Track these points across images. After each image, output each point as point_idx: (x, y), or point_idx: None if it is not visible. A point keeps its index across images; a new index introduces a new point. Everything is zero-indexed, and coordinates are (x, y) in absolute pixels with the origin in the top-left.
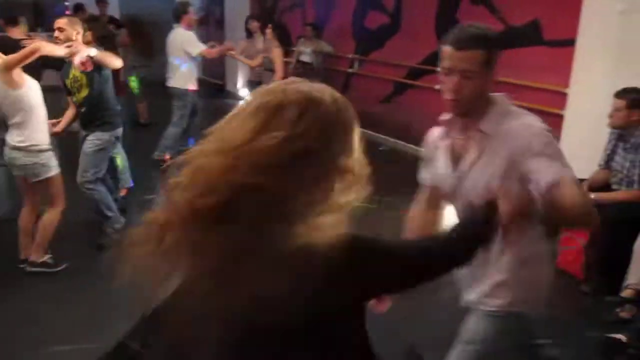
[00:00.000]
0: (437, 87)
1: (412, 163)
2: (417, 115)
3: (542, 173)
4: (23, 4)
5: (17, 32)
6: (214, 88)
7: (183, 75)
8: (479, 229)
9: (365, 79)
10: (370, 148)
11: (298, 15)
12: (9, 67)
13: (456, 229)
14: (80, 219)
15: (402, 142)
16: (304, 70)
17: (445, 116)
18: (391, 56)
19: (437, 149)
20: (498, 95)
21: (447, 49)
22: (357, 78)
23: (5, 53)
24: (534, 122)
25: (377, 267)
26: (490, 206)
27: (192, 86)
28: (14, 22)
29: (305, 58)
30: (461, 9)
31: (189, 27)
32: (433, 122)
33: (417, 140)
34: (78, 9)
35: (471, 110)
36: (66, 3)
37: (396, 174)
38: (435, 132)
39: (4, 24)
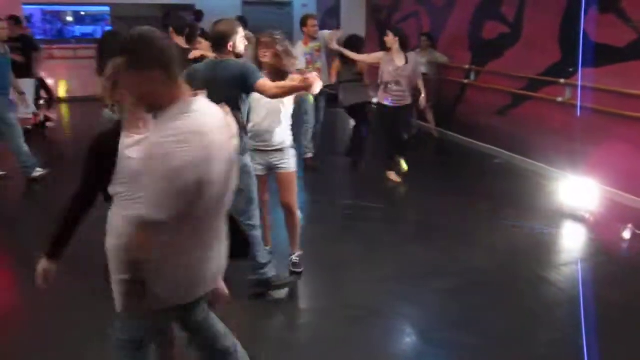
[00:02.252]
0: (558, 99)
1: (528, 178)
2: (535, 129)
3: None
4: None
5: (180, 41)
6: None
7: None
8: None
9: (481, 90)
10: (485, 161)
11: (413, 25)
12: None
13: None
14: None
15: (518, 156)
16: None
17: None
18: (509, 67)
19: None
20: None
21: None
22: (472, 89)
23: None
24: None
25: None
26: None
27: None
28: (180, 31)
29: (420, 69)
30: (588, 17)
31: (309, 38)
32: (552, 135)
33: (534, 154)
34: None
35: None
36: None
37: (510, 189)
38: None
39: (172, 31)
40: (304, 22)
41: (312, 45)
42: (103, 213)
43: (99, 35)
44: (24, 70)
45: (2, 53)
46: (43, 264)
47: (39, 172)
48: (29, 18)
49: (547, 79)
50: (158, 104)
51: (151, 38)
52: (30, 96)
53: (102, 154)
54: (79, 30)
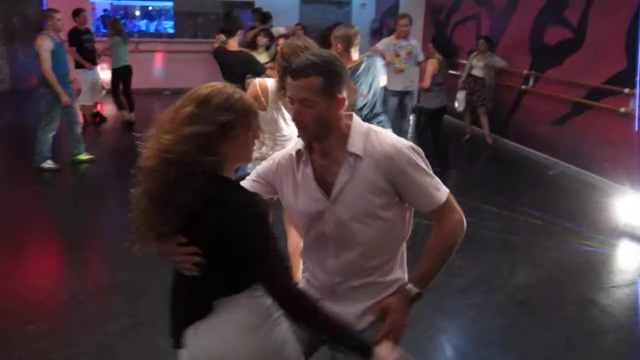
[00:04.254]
0: (622, 110)
1: (583, 191)
2: (594, 140)
3: (422, 196)
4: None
5: (232, 43)
6: None
7: None
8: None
9: (539, 97)
10: (539, 170)
11: (472, 28)
12: None
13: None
14: None
15: (575, 167)
16: (474, 85)
17: (298, 145)
18: (570, 74)
19: (287, 179)
20: (348, 114)
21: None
22: (530, 96)
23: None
24: (399, 139)
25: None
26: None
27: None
28: (232, 34)
29: (477, 72)
30: None
31: (400, 36)
32: (613, 147)
33: (592, 166)
34: (266, 19)
35: (324, 135)
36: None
37: (564, 202)
38: (283, 162)
39: (226, 34)
40: (396, 20)
41: (403, 43)
42: None
43: (162, 30)
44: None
45: (59, 43)
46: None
47: (48, 164)
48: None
49: (610, 87)
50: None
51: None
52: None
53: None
54: (144, 24)
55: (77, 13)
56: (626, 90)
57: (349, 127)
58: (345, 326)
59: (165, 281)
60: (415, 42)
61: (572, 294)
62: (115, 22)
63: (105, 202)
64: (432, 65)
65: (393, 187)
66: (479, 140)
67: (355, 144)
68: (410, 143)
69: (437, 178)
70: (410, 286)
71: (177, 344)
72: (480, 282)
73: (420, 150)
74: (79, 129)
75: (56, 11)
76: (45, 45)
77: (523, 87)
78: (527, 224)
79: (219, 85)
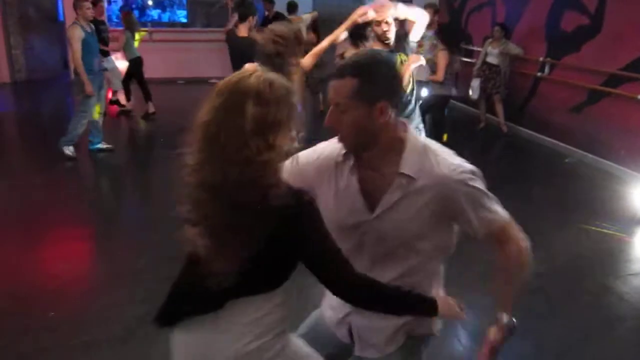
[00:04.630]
0: (639, 97)
1: (600, 179)
2: (612, 128)
3: (478, 221)
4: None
5: (243, 29)
6: None
7: None
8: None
9: (555, 84)
10: (555, 159)
11: (487, 14)
12: None
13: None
14: None
15: (591, 155)
16: (489, 72)
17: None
18: (588, 61)
19: (328, 182)
20: (402, 123)
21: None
22: (545, 83)
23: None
24: (458, 161)
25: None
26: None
27: None
28: (243, 19)
29: (492, 59)
30: None
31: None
32: (630, 135)
33: (609, 154)
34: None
35: (365, 145)
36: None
37: (580, 190)
38: (325, 163)
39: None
40: None
41: (428, 34)
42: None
43: (175, 19)
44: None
45: (90, 32)
46: None
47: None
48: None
49: (628, 74)
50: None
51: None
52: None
53: None
54: (156, 14)
55: (94, 4)
56: None
57: (402, 141)
58: (411, 291)
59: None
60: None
61: (588, 282)
62: (128, 16)
63: (124, 191)
64: (444, 58)
65: (446, 212)
66: (493, 129)
67: (409, 165)
68: (471, 168)
69: (495, 201)
70: (507, 318)
71: (164, 324)
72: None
73: (480, 174)
74: (101, 119)
75: (86, 0)
76: (76, 34)
77: (539, 74)
78: (542, 212)
79: (255, 72)
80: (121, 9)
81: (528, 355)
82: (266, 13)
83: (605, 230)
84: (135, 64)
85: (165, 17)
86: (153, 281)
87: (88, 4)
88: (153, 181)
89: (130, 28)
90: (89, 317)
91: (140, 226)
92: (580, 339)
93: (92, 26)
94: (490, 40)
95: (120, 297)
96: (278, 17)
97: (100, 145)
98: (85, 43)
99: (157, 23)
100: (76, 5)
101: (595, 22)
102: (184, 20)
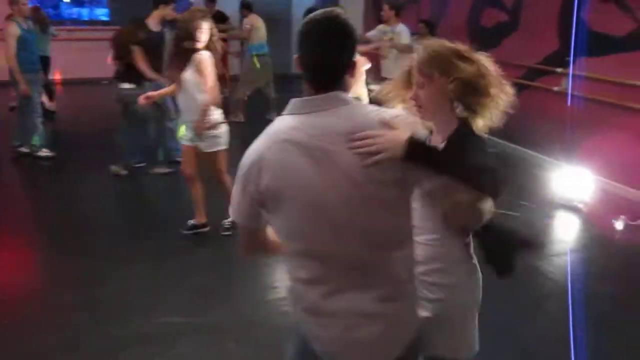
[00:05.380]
0: (555, 88)
1: (522, 167)
2: (533, 118)
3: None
4: None
5: (155, 14)
6: None
7: None
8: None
9: None
10: None
11: (412, 12)
12: None
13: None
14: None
15: (514, 145)
16: None
17: None
18: (508, 55)
19: None
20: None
21: None
22: None
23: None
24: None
25: None
26: None
27: None
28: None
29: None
30: (587, 6)
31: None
32: (550, 125)
33: (530, 144)
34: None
35: None
36: None
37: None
38: None
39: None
40: None
41: (386, 29)
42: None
43: (95, 17)
44: None
45: (27, 29)
46: None
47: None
48: None
49: (544, 68)
50: None
51: None
52: None
53: None
54: (76, 12)
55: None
56: (559, 70)
57: None
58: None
59: (120, 272)
60: (400, 28)
61: (517, 263)
62: (36, 12)
63: (55, 195)
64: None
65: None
66: None
67: None
68: None
69: None
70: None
71: None
72: None
73: None
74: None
75: None
76: (12, 31)
77: None
78: None
79: None
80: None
81: None
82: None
83: (529, 215)
84: (43, 64)
85: (85, 15)
86: (90, 286)
87: (24, 0)
88: (87, 185)
89: (40, 24)
90: (29, 325)
91: (75, 231)
92: (514, 316)
93: (30, 23)
94: (415, 37)
95: (59, 303)
96: (218, 16)
97: (38, 148)
98: (21, 40)
99: (77, 21)
100: (12, 1)
101: (513, 19)
102: (106, 18)
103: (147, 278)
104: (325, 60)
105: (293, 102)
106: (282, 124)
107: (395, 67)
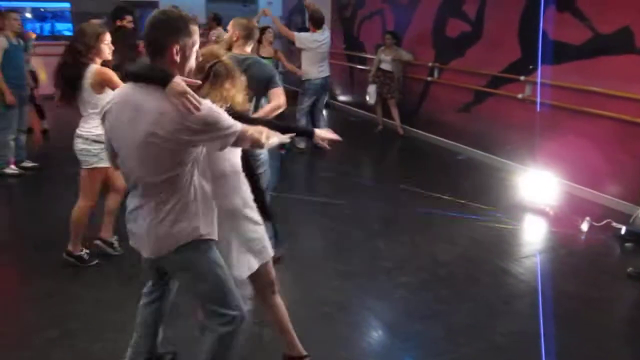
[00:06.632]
0: (519, 96)
1: (490, 173)
2: (497, 125)
3: None
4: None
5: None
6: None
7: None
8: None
9: (444, 87)
10: (448, 156)
11: (378, 23)
12: None
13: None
14: None
15: (481, 152)
16: (384, 78)
17: None
18: (472, 64)
19: None
20: None
21: None
22: (436, 86)
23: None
24: None
25: None
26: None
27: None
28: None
29: (386, 66)
30: (546, 16)
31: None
32: (513, 131)
33: (496, 150)
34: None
35: None
36: None
37: (473, 184)
38: None
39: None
40: None
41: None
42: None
43: (58, 32)
44: None
45: (16, 45)
46: None
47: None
48: None
49: (507, 76)
50: None
51: None
52: None
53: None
54: (38, 27)
55: None
56: (522, 77)
57: None
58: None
59: (89, 289)
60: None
61: (488, 266)
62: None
63: (19, 211)
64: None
65: None
66: (390, 132)
67: None
68: None
69: None
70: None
71: None
72: (404, 263)
73: None
74: (24, 137)
75: (13, 11)
76: None
77: (429, 78)
78: (441, 206)
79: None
80: None
81: (440, 338)
82: None
83: (498, 218)
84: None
85: (47, 30)
86: (59, 304)
87: (16, 15)
88: (52, 200)
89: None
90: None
91: (38, 248)
92: (485, 316)
93: (20, 40)
94: (382, 47)
95: (29, 322)
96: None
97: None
98: (8, 56)
99: (39, 37)
100: (3, 15)
101: (476, 29)
102: (69, 33)
103: (120, 293)
104: None
105: None
106: None
107: None
